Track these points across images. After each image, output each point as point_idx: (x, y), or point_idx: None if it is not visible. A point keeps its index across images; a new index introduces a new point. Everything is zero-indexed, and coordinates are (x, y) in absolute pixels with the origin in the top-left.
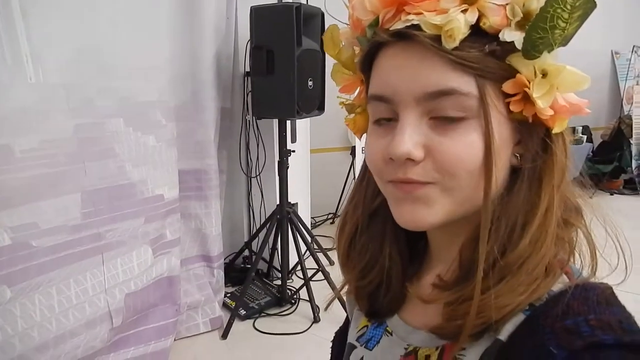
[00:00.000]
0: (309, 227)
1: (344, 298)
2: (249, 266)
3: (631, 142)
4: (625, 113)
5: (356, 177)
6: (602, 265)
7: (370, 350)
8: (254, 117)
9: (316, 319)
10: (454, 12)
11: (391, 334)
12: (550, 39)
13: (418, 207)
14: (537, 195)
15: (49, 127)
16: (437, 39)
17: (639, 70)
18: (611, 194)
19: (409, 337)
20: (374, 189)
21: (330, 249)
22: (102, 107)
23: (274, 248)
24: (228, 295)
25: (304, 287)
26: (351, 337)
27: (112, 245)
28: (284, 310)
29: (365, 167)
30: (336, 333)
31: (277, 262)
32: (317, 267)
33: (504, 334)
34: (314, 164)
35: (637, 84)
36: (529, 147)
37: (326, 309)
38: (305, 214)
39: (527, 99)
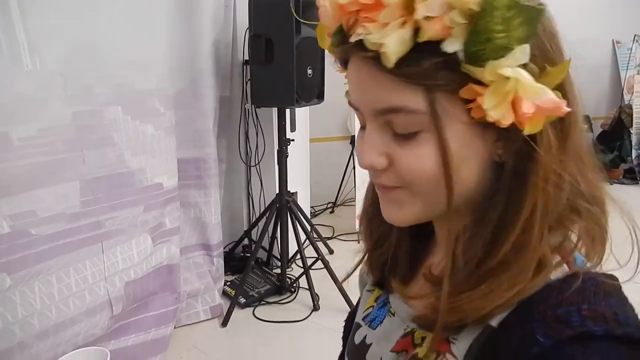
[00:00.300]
0: (309, 216)
1: (345, 290)
2: (248, 255)
3: (631, 131)
4: (626, 102)
5: (356, 166)
6: (615, 257)
7: (374, 329)
8: (253, 106)
9: (316, 307)
10: (392, 28)
11: (393, 315)
12: (490, 50)
13: (392, 207)
14: (520, 195)
15: (46, 114)
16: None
17: None
18: (611, 184)
19: (408, 319)
20: None
21: (329, 238)
22: (99, 94)
23: (273, 237)
24: (228, 283)
25: (304, 276)
26: (358, 317)
27: (112, 233)
28: (284, 299)
29: None
30: (349, 313)
31: (276, 251)
32: (316, 255)
33: (495, 320)
34: (314, 153)
35: (638, 74)
36: (508, 146)
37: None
38: (304, 203)
39: None
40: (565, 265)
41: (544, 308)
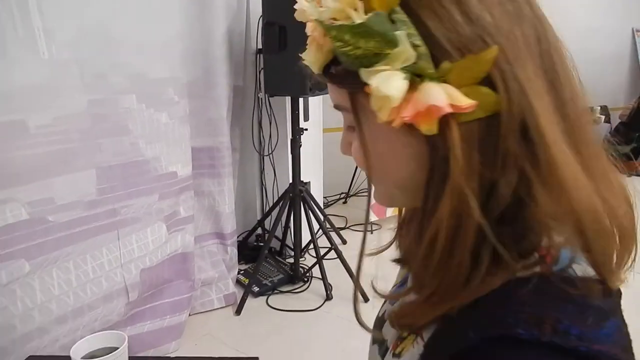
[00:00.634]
0: (322, 207)
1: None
2: (261, 244)
3: None
4: None
5: None
6: None
7: (392, 305)
8: (266, 95)
9: (328, 297)
10: (309, 47)
11: None
12: (351, 62)
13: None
14: (438, 199)
15: (62, 103)
16: None
17: None
18: (629, 176)
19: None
20: None
21: (342, 228)
22: (114, 83)
23: (286, 226)
24: (241, 272)
25: (317, 266)
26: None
27: (127, 221)
28: (297, 288)
29: None
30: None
31: (289, 241)
32: (329, 245)
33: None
34: (327, 143)
35: None
36: (423, 145)
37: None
38: (317, 193)
39: None
40: (539, 265)
41: (491, 305)
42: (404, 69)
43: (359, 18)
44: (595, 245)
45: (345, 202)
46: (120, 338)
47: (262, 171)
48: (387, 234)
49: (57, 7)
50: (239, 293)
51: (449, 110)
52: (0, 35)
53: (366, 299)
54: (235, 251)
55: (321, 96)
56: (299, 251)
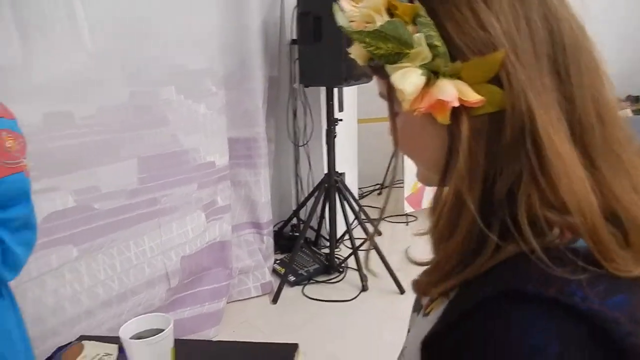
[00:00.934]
0: (356, 197)
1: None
2: (297, 234)
3: None
4: None
5: None
6: None
7: None
8: (301, 86)
9: (364, 288)
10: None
11: None
12: (377, 59)
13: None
14: (449, 180)
15: (105, 94)
16: None
17: None
18: None
19: None
20: None
21: (377, 220)
22: (154, 75)
23: (321, 217)
24: (277, 262)
25: (352, 256)
26: None
27: (167, 210)
28: (332, 278)
29: None
30: None
31: (324, 231)
32: (364, 236)
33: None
34: (361, 134)
35: None
36: (443, 133)
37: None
38: (352, 184)
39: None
40: (557, 239)
41: (506, 270)
42: (422, 66)
43: (380, 22)
44: (587, 237)
45: (379, 194)
46: (166, 321)
47: (296, 162)
48: (423, 225)
49: (100, 1)
50: (275, 282)
51: (456, 104)
52: (47, 28)
53: (402, 291)
54: (272, 241)
55: (356, 87)
56: (335, 242)
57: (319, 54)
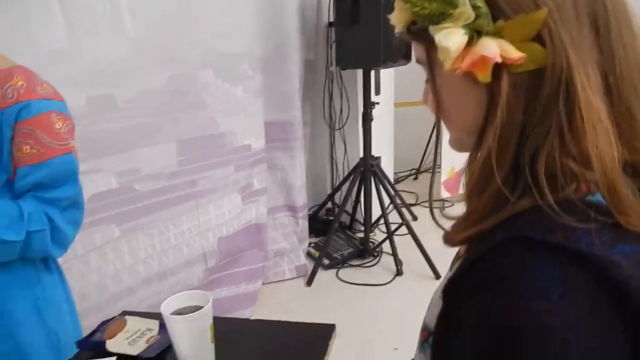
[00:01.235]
0: (392, 182)
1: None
2: (331, 218)
3: None
4: None
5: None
6: None
7: None
8: (337, 69)
9: (399, 272)
10: (396, 8)
11: None
12: (422, 20)
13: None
14: (487, 137)
15: (145, 78)
16: None
17: None
18: None
19: None
20: None
21: (413, 205)
22: (192, 58)
23: (356, 201)
24: (312, 245)
25: (387, 241)
26: None
27: (205, 192)
28: (367, 262)
29: None
30: None
31: (359, 215)
32: (399, 221)
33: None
34: (397, 118)
35: None
36: (482, 92)
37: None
38: (388, 168)
39: None
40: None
41: (519, 220)
42: (465, 26)
43: None
44: (604, 189)
45: (416, 178)
46: (205, 298)
47: (332, 145)
48: (459, 211)
49: None
50: (309, 265)
51: (498, 60)
52: (91, 14)
53: (437, 276)
54: (306, 224)
55: (392, 70)
56: (369, 226)
57: (356, 36)
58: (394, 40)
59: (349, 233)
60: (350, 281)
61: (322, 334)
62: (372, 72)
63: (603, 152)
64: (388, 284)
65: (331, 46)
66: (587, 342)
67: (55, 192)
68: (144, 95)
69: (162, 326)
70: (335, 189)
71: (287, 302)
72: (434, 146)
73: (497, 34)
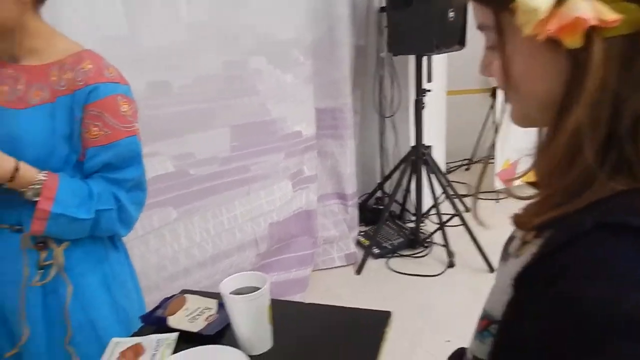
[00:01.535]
0: (444, 172)
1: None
2: (381, 207)
3: None
4: None
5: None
6: None
7: None
8: (388, 55)
9: (451, 264)
10: None
11: None
12: None
13: (510, 108)
14: (571, 110)
15: (200, 64)
16: None
17: None
18: None
19: None
20: None
21: (465, 196)
22: (245, 45)
23: (407, 190)
24: (362, 233)
25: (439, 231)
26: None
27: (257, 177)
28: (417, 253)
29: None
30: None
31: (409, 205)
32: (452, 212)
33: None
34: (450, 106)
35: None
36: (563, 61)
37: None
38: (439, 158)
39: None
40: None
41: (609, 203)
42: None
43: None
44: None
45: (467, 169)
46: (262, 279)
47: (382, 133)
48: (513, 203)
49: None
50: (359, 253)
51: (594, 22)
52: (149, 1)
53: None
54: (356, 212)
55: (445, 57)
56: (420, 216)
57: (408, 21)
58: (448, 25)
59: (399, 223)
60: (401, 271)
61: (378, 320)
62: (424, 59)
63: None
64: (440, 275)
65: (382, 32)
66: None
67: (121, 173)
68: (199, 80)
69: (221, 305)
70: (385, 178)
71: (336, 289)
72: (486, 136)
73: None
